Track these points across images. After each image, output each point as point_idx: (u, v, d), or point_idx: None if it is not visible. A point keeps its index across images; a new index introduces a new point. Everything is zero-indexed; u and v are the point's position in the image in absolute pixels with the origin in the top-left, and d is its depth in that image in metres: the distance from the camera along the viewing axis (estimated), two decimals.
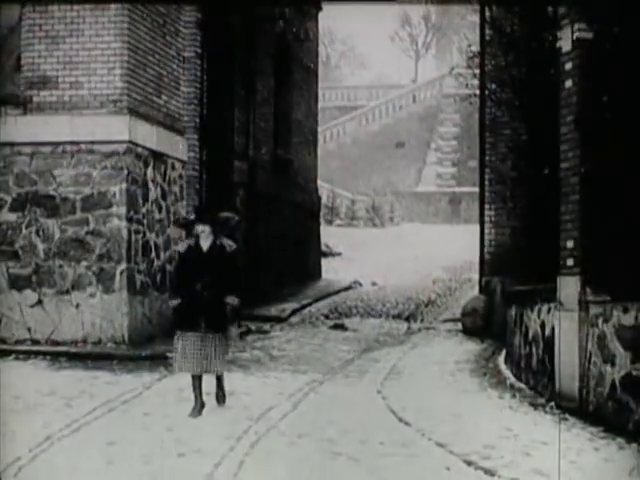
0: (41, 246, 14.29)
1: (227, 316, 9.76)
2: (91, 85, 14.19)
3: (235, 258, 9.89)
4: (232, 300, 9.72)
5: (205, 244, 9.75)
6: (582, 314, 10.02)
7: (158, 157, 15.22)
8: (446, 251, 28.23)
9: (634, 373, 9.15)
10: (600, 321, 9.71)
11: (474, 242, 17.54)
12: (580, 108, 10.13)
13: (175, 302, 9.84)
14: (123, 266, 14.16)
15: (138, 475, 7.76)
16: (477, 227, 17.39)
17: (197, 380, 9.75)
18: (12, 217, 14.36)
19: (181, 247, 9.99)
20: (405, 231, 35.89)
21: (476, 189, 17.96)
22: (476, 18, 16.90)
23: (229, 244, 9.80)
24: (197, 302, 9.63)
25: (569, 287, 10.19)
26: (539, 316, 11.42)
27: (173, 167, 15.78)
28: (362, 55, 65.44)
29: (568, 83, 10.32)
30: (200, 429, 9.26)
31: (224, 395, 10.08)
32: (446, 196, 43.55)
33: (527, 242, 14.73)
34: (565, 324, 10.25)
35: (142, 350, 13.78)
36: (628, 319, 9.26)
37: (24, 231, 14.34)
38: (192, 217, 10.23)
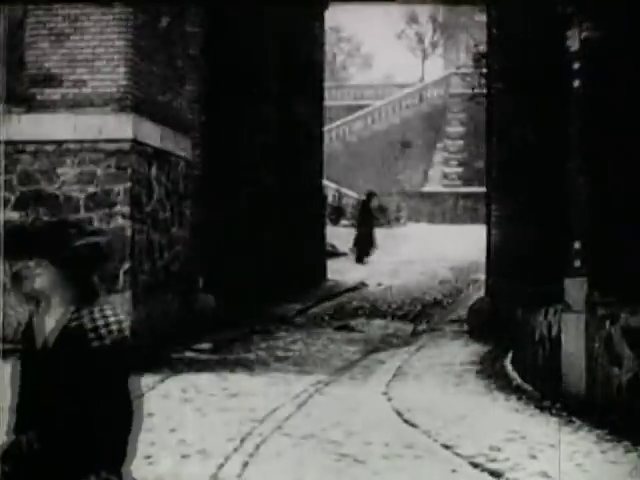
0: None
1: None
2: (95, 83, 14.13)
3: (122, 361, 3.94)
4: None
5: (43, 326, 3.93)
6: (589, 316, 9.96)
7: (162, 156, 15.15)
8: (453, 251, 28.15)
9: None
10: (607, 323, 9.64)
11: (481, 243, 17.47)
12: (588, 107, 10.06)
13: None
14: (127, 266, 14.07)
15: (141, 476, 7.69)
16: (484, 227, 17.32)
17: None
18: (15, 216, 14.30)
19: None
20: (411, 231, 35.81)
21: (483, 189, 17.89)
22: (483, 17, 16.86)
23: (107, 323, 3.88)
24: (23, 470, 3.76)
25: (576, 288, 10.12)
26: (546, 317, 11.35)
27: (177, 166, 15.72)
28: (368, 54, 65.46)
29: (576, 82, 10.26)
30: (204, 430, 9.19)
31: None
32: (452, 196, 43.50)
33: (534, 243, 14.66)
34: (572, 326, 10.18)
35: (145, 351, 13.71)
36: (635, 321, 9.20)
37: None
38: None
